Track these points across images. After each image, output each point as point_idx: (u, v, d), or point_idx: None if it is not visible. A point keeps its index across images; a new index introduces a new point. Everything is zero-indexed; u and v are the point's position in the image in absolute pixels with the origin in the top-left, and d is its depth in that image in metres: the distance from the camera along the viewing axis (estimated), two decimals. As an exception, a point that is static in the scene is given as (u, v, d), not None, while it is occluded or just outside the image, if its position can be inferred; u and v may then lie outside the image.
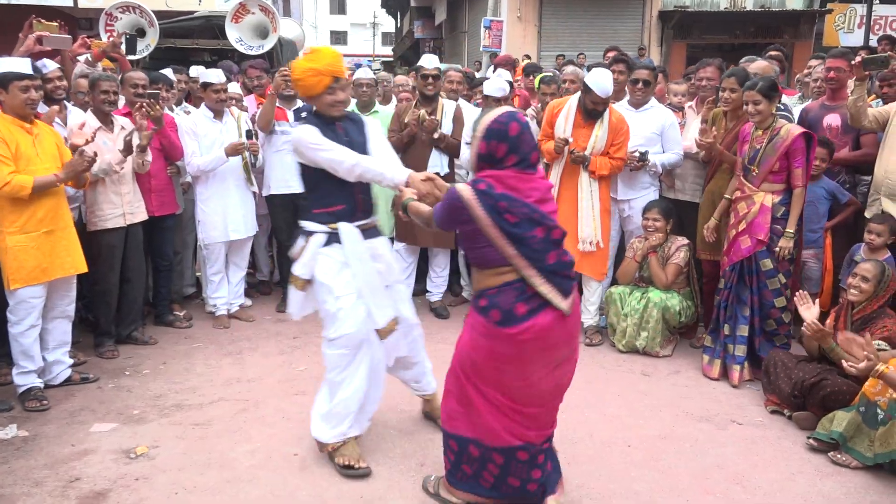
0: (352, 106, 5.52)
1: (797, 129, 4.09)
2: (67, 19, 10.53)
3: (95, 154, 3.95)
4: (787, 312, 4.20)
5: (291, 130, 5.24)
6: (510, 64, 6.55)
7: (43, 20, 4.61)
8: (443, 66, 6.80)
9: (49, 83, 4.24)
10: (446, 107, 5.21)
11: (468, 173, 5.47)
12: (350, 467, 3.17)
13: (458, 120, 5.22)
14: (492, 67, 7.96)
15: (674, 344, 4.76)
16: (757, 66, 4.92)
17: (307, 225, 3.23)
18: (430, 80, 5.10)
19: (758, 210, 4.12)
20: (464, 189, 2.55)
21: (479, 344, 2.66)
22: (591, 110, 4.61)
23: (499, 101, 5.03)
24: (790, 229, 4.08)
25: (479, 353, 2.67)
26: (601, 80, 4.48)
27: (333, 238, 3.17)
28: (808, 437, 3.52)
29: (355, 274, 3.14)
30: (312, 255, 3.17)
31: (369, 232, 3.27)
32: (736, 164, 4.31)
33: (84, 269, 4.05)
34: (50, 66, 4.37)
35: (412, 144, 5.13)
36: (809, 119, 4.92)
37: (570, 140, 4.64)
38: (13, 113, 3.73)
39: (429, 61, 5.19)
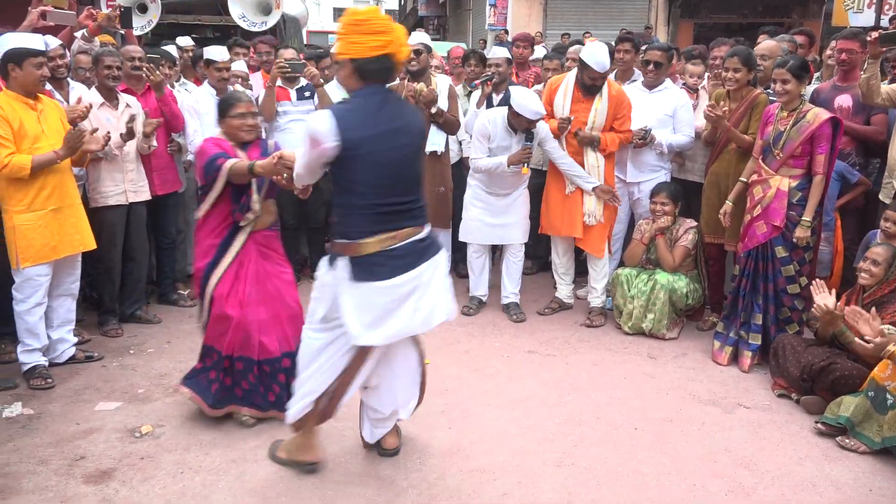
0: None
1: (825, 114, 3.95)
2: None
3: (96, 130, 3.91)
4: (800, 300, 4.12)
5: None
6: (527, 41, 6.44)
7: None
8: (450, 45, 6.72)
9: (51, 61, 4.18)
10: (440, 82, 5.12)
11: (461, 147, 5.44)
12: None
13: (452, 97, 5.15)
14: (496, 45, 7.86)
15: (680, 326, 4.74)
16: (765, 46, 4.84)
17: None
18: (413, 55, 4.92)
19: (773, 195, 4.02)
20: None
21: None
22: (590, 86, 4.55)
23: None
24: (807, 217, 3.96)
25: None
26: (597, 55, 4.43)
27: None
28: (816, 422, 3.50)
29: None
30: None
31: None
32: (756, 145, 4.23)
33: (93, 245, 4.03)
34: (52, 43, 4.30)
35: None
36: (821, 100, 4.85)
37: (572, 118, 4.58)
38: (21, 90, 3.67)
39: (413, 37, 5.05)
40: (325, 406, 2.93)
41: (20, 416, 3.54)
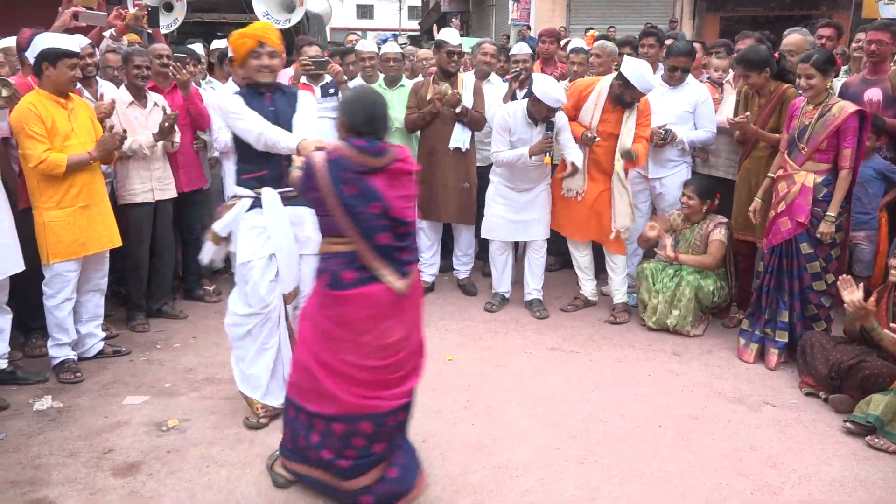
0: (380, 80, 5.49)
1: (851, 107, 3.87)
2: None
3: (125, 131, 3.98)
4: (826, 297, 4.04)
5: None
6: (553, 36, 6.40)
7: None
8: (474, 40, 6.70)
9: (80, 60, 4.23)
10: (465, 81, 5.11)
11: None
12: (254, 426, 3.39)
13: (478, 93, 5.13)
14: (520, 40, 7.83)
15: (706, 324, 4.69)
16: (791, 40, 4.76)
17: (236, 189, 3.41)
18: (455, 56, 4.97)
19: (798, 190, 3.96)
20: (317, 156, 2.61)
21: (312, 305, 2.75)
22: (626, 101, 4.51)
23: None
24: (832, 213, 3.88)
25: (314, 315, 2.72)
26: (644, 77, 4.36)
27: (257, 203, 3.32)
28: (845, 421, 3.45)
29: (270, 236, 3.28)
30: (235, 217, 3.34)
31: (296, 200, 3.32)
32: (782, 140, 4.17)
33: (119, 242, 4.10)
34: (82, 42, 4.36)
35: (434, 120, 5.05)
36: (850, 94, 4.75)
37: (598, 139, 4.55)
38: (53, 89, 3.74)
39: (452, 36, 5.05)
40: None
41: (50, 409, 3.60)
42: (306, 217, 3.32)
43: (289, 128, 3.32)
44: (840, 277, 3.65)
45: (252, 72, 3.31)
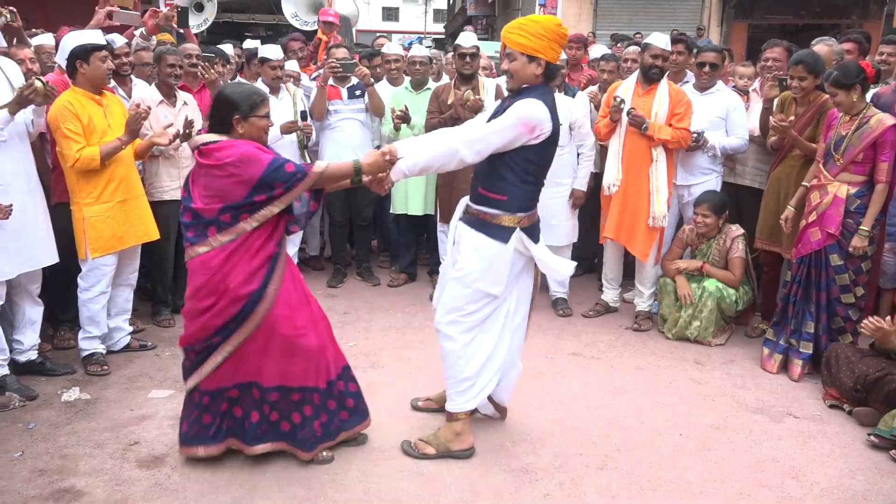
0: (406, 83, 5.53)
1: (890, 120, 3.82)
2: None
3: (149, 108, 4.03)
4: (854, 310, 3.99)
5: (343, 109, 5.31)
6: (580, 42, 6.39)
7: None
8: (498, 45, 6.68)
9: (117, 59, 4.32)
10: (487, 85, 5.12)
11: None
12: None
13: (500, 97, 5.15)
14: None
15: (728, 333, 4.66)
16: (817, 50, 4.71)
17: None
18: (468, 58, 4.99)
19: (830, 201, 3.92)
20: None
21: None
22: (651, 72, 4.52)
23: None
24: (865, 227, 3.83)
25: None
26: (657, 35, 4.57)
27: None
28: (869, 434, 3.41)
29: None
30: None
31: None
32: (818, 149, 4.11)
33: (156, 235, 4.17)
34: (118, 41, 4.45)
35: (456, 125, 5.06)
36: (881, 104, 4.69)
37: (625, 101, 4.52)
38: (89, 85, 3.81)
39: (466, 39, 5.06)
40: None
41: (77, 400, 3.67)
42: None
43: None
44: (869, 318, 3.56)
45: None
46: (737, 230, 4.60)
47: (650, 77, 4.55)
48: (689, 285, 4.57)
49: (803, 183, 4.19)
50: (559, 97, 4.84)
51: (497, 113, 3.03)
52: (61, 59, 3.79)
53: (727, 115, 4.73)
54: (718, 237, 4.62)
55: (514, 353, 3.32)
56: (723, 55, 4.94)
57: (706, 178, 4.83)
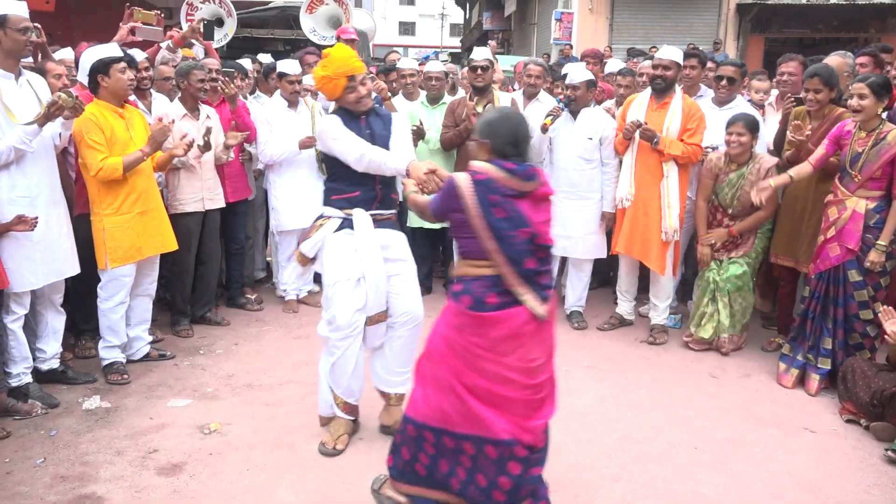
0: (421, 98, 5.58)
1: None
2: (149, 8, 10.89)
3: (173, 121, 4.10)
4: (873, 326, 3.95)
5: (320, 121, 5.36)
6: (596, 57, 6.42)
7: (142, 10, 4.79)
8: (524, 59, 6.71)
9: (137, 73, 4.41)
10: (502, 99, 5.16)
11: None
12: (323, 444, 3.38)
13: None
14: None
15: (741, 341, 4.66)
16: (830, 61, 4.71)
17: (324, 210, 3.38)
18: (479, 71, 5.04)
19: (849, 216, 3.90)
20: (462, 177, 2.55)
21: (449, 327, 2.61)
22: (654, 81, 4.56)
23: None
24: (883, 242, 3.81)
25: (453, 338, 2.59)
26: (664, 48, 4.61)
27: (346, 224, 3.29)
28: (886, 450, 3.39)
29: (361, 259, 3.22)
30: (322, 237, 3.31)
31: (385, 223, 3.35)
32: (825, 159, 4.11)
33: (174, 246, 4.24)
34: (139, 56, 4.54)
35: (470, 139, 5.11)
36: (894, 120, 4.70)
37: (643, 122, 4.52)
38: (112, 97, 3.90)
39: (478, 53, 5.14)
40: None
41: (98, 408, 3.73)
42: (395, 242, 3.37)
43: (385, 149, 3.29)
44: (883, 308, 3.59)
45: (352, 105, 3.27)
46: (770, 159, 4.46)
47: (654, 88, 4.58)
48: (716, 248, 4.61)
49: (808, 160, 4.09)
50: (592, 111, 4.89)
51: None
52: (82, 76, 3.89)
53: None
54: (751, 164, 4.46)
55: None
56: (742, 69, 4.95)
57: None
